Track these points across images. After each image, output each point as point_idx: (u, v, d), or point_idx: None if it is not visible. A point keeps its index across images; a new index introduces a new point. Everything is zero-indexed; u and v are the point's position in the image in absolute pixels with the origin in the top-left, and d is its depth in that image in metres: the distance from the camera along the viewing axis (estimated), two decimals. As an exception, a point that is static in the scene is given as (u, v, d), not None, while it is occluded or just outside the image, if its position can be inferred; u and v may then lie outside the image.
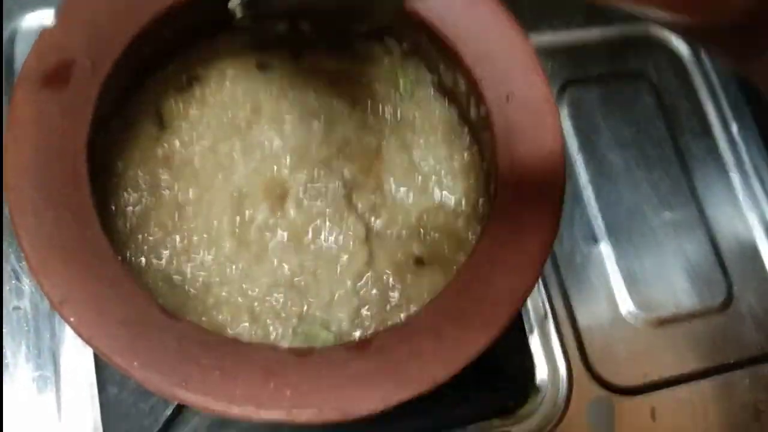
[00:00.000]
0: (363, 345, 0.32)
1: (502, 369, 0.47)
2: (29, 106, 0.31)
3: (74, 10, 0.33)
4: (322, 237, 0.38)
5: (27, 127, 0.31)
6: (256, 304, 0.36)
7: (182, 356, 0.29)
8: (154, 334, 0.29)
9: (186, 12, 0.36)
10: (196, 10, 0.37)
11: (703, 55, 0.62)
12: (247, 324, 0.36)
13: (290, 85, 0.41)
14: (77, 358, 0.42)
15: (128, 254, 0.36)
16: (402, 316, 0.37)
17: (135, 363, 0.28)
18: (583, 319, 0.50)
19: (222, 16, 0.35)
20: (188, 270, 0.37)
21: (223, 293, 0.36)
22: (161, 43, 0.37)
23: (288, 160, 0.39)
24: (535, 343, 0.49)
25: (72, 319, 0.29)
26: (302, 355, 0.31)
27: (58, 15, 0.33)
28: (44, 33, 0.32)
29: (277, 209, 0.38)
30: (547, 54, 0.58)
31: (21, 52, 0.48)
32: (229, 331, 0.35)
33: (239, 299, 0.36)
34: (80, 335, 0.29)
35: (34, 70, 0.32)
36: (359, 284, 0.37)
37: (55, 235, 0.30)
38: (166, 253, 0.37)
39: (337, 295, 0.37)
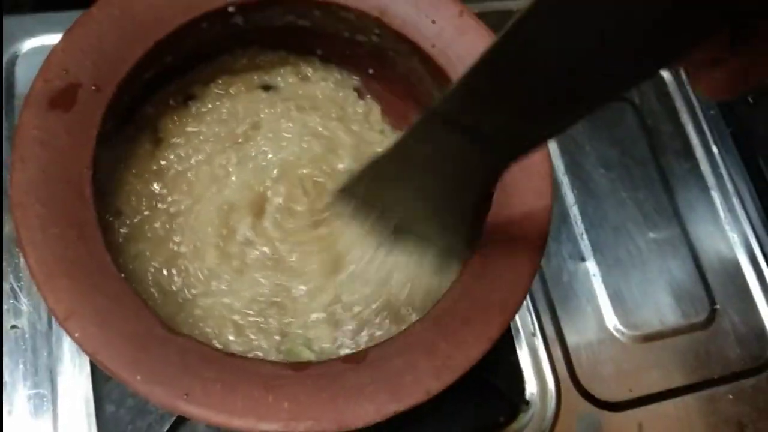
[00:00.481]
0: (358, 358, 0.33)
1: (493, 384, 0.48)
2: (36, 127, 0.32)
3: (80, 35, 0.34)
4: (294, 258, 0.39)
5: (33, 146, 0.32)
6: (238, 317, 0.37)
7: (184, 370, 0.30)
8: (157, 348, 0.30)
9: (188, 37, 0.37)
10: (198, 35, 0.38)
11: (684, 80, 0.64)
12: (232, 337, 0.37)
13: (296, 107, 0.42)
14: (74, 376, 0.43)
15: (122, 261, 0.37)
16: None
17: (138, 377, 0.29)
18: (570, 336, 0.51)
19: (223, 40, 0.36)
20: (179, 280, 0.38)
21: (209, 304, 0.37)
22: (163, 66, 0.38)
23: (275, 172, 0.40)
24: (524, 359, 0.50)
25: (76, 334, 0.29)
26: (299, 368, 0.32)
27: (65, 39, 0.34)
28: (51, 57, 0.33)
29: (257, 224, 0.39)
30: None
31: (21, 74, 0.49)
32: (216, 344, 0.36)
33: (223, 312, 0.37)
34: (84, 350, 0.29)
35: (41, 92, 0.33)
36: (331, 310, 0.38)
37: (60, 250, 0.31)
38: (157, 262, 0.38)
39: (313, 316, 0.38)
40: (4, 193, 0.45)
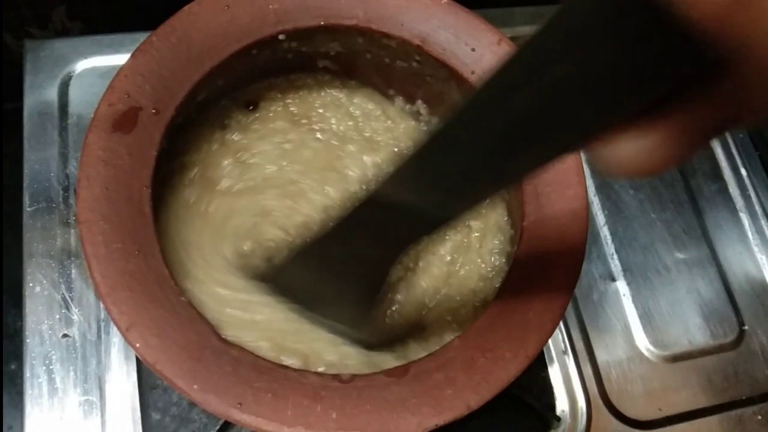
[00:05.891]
0: (401, 372, 0.34)
1: (525, 401, 0.49)
2: (100, 148, 0.34)
3: (141, 61, 0.36)
4: None
5: (98, 166, 0.34)
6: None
7: (237, 380, 0.31)
8: (211, 358, 0.32)
9: (239, 63, 0.39)
10: (249, 60, 0.40)
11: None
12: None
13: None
14: (122, 384, 0.45)
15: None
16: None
17: (195, 386, 0.31)
18: (600, 354, 0.52)
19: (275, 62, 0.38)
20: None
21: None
22: (216, 88, 0.40)
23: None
24: (555, 376, 0.51)
25: (138, 345, 0.31)
26: (345, 381, 0.33)
27: (127, 65, 0.36)
28: (114, 82, 0.35)
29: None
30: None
31: (74, 95, 0.51)
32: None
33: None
34: (145, 360, 0.31)
35: (105, 115, 0.35)
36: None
37: (122, 264, 0.32)
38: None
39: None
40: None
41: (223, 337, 0.33)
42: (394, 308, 0.42)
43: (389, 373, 0.34)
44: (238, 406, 0.31)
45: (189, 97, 0.37)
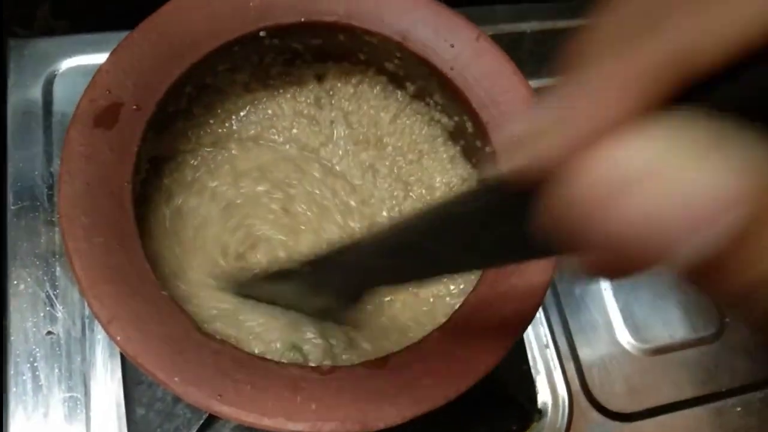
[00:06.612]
0: (380, 363, 0.34)
1: (507, 394, 0.49)
2: (81, 144, 0.34)
3: (122, 58, 0.36)
4: None
5: (79, 162, 0.34)
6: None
7: (217, 372, 0.32)
8: (192, 351, 0.32)
9: (221, 58, 0.40)
10: (230, 56, 0.40)
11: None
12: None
13: None
14: (106, 380, 0.45)
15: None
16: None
17: (176, 378, 0.31)
18: (582, 348, 0.53)
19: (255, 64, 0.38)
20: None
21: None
22: (200, 86, 0.40)
23: None
24: (537, 370, 0.51)
25: (118, 338, 0.31)
26: (325, 372, 0.33)
27: (108, 61, 0.36)
28: (96, 78, 0.36)
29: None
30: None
31: (59, 93, 0.51)
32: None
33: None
34: (126, 352, 0.31)
35: (86, 111, 0.35)
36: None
37: (104, 259, 0.33)
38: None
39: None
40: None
41: (204, 330, 0.33)
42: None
43: (368, 364, 0.34)
44: (218, 397, 0.31)
45: (171, 92, 0.37)
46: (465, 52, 0.41)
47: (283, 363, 0.34)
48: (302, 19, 0.40)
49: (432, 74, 0.42)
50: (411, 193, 0.47)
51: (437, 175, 0.47)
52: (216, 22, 0.38)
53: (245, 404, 0.31)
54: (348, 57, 0.45)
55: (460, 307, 0.37)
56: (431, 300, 0.44)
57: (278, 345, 0.39)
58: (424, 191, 0.47)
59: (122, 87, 0.36)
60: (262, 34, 0.39)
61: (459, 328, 0.36)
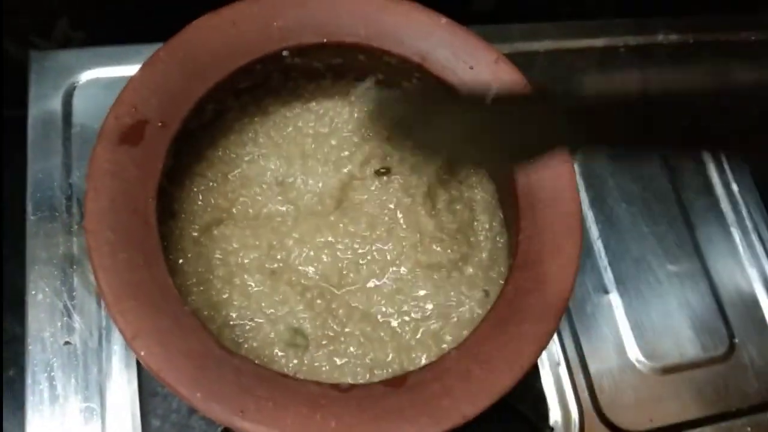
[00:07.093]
0: (398, 381, 0.35)
1: (518, 410, 0.50)
2: (107, 160, 0.35)
3: (148, 76, 0.37)
4: None
5: (105, 178, 0.35)
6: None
7: (239, 388, 0.32)
8: (214, 367, 0.33)
9: (244, 77, 0.40)
10: (253, 75, 0.41)
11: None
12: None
13: None
14: (122, 391, 0.45)
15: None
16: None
17: (198, 394, 0.32)
18: (593, 366, 0.53)
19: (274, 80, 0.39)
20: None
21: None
22: (222, 102, 0.41)
23: None
24: (548, 386, 0.52)
25: (142, 353, 0.32)
26: (344, 390, 0.34)
27: (134, 79, 0.37)
28: (122, 95, 0.36)
29: None
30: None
31: (78, 105, 0.52)
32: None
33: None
34: (149, 368, 0.32)
35: (112, 128, 0.35)
36: None
37: (128, 275, 0.33)
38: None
39: None
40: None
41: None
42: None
43: (387, 383, 0.35)
44: (240, 413, 0.32)
45: (196, 110, 0.38)
46: (483, 73, 0.41)
47: (303, 380, 0.34)
48: (324, 40, 0.40)
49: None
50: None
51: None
52: (241, 41, 0.39)
53: (266, 421, 0.32)
54: (367, 76, 0.45)
55: (477, 326, 0.37)
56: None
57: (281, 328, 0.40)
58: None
59: (148, 104, 0.36)
60: (285, 53, 0.40)
61: (476, 347, 0.36)
